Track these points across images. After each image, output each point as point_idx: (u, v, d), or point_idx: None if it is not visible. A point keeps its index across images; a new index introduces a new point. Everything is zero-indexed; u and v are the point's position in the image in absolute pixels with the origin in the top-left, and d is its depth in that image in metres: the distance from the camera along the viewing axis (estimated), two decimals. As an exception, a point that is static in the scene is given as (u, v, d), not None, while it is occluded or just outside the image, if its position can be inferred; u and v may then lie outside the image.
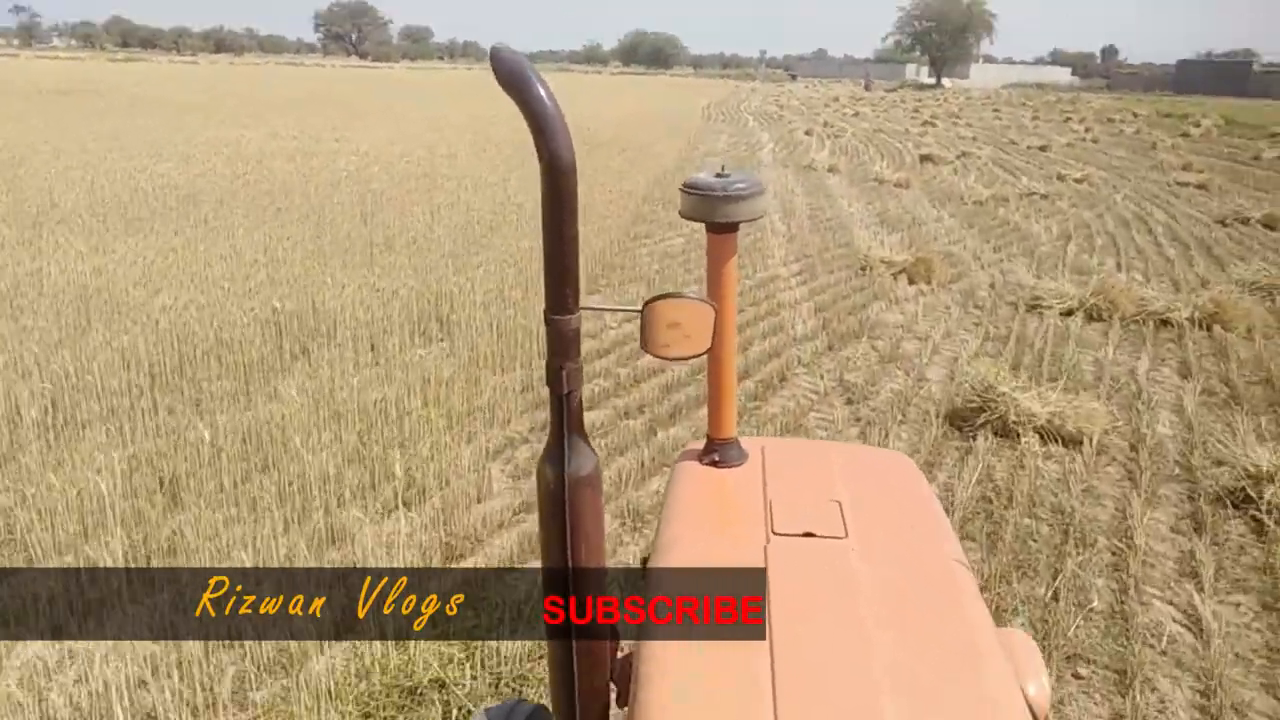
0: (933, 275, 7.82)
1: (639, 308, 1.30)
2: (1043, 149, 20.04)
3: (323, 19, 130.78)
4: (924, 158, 17.20)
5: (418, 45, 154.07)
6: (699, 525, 1.46)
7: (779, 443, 1.81)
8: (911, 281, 7.78)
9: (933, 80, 71.52)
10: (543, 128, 1.09)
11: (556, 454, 1.25)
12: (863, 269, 8.05)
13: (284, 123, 16.85)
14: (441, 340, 5.49)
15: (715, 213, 1.44)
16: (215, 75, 43.74)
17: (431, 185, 9.87)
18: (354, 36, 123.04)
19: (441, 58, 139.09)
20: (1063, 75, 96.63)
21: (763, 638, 1.14)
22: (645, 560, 1.49)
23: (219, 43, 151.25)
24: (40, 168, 10.07)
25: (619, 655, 1.43)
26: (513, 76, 1.08)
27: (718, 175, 1.44)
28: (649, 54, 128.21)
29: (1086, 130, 25.61)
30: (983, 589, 2.58)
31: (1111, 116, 31.73)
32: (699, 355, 1.34)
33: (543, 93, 1.09)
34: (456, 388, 4.69)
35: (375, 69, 72.79)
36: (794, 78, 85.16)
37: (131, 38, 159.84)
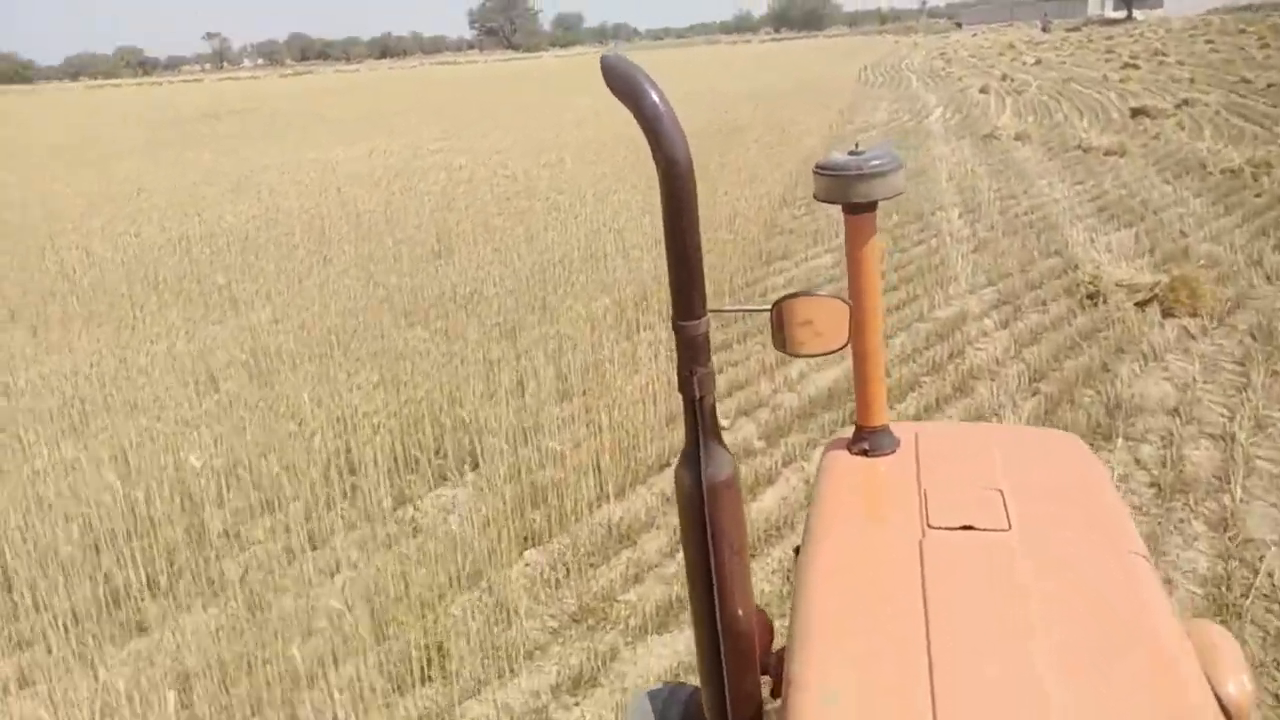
0: (1199, 303, 5.39)
1: (769, 308, 1.32)
2: (1289, 86, 16.21)
3: (476, 16, 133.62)
4: (1136, 111, 14.04)
5: (569, 33, 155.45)
6: (850, 518, 1.41)
7: (934, 427, 1.74)
8: (1168, 314, 5.39)
9: (1121, 13, 63.84)
10: (657, 132, 1.10)
11: (693, 460, 1.25)
12: (1090, 297, 5.71)
13: (399, 134, 15.77)
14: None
15: (851, 192, 1.40)
16: (371, 82, 44.35)
17: (521, 208, 8.20)
18: (507, 29, 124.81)
19: (601, 41, 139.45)
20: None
21: (920, 640, 1.08)
22: (797, 550, 1.46)
23: (384, 49, 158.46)
24: (67, 225, 9.10)
25: (773, 647, 1.47)
26: (623, 84, 1.10)
27: (851, 153, 1.41)
28: (801, 17, 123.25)
29: (1337, 56, 21.04)
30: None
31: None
32: (834, 351, 1.36)
33: (655, 98, 1.10)
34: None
35: (525, 59, 72.90)
36: (959, 26, 78.84)
37: (310, 51, 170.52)
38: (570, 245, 6.69)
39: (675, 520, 1.25)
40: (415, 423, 4.07)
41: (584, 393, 4.53)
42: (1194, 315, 5.35)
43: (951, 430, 2.01)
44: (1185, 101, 14.83)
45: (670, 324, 1.21)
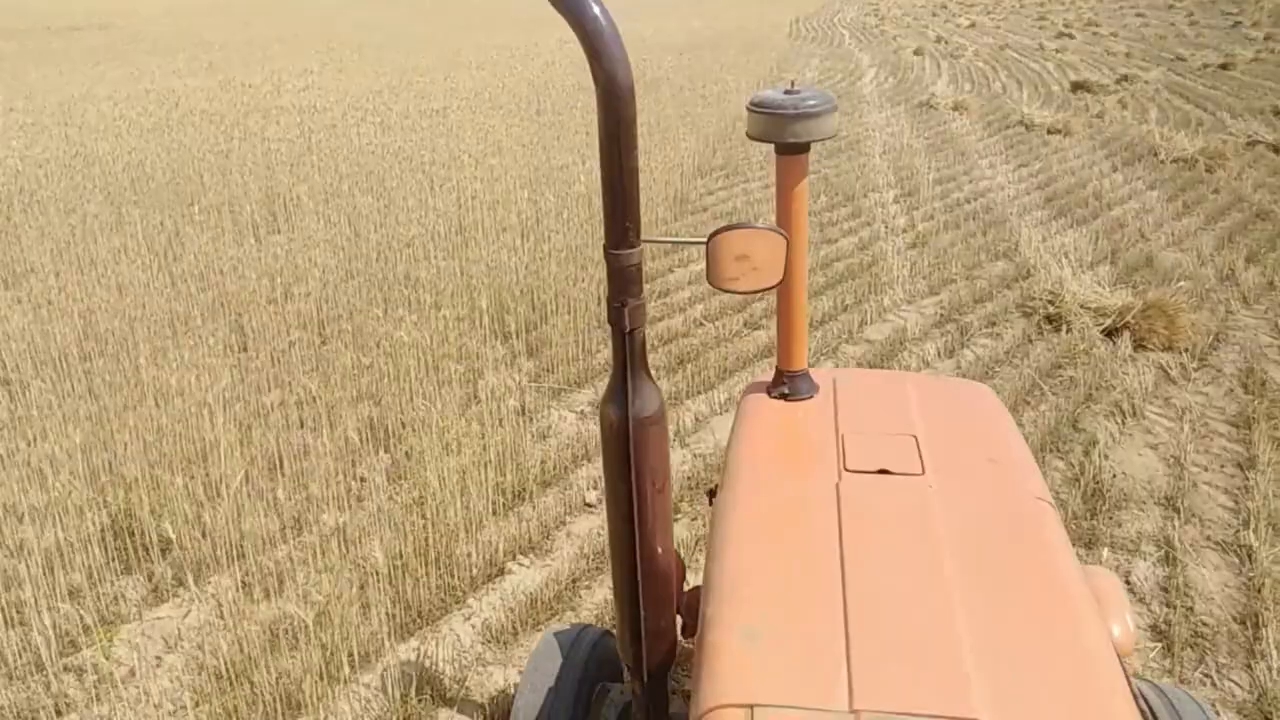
0: (1176, 335, 4.50)
1: (704, 240, 1.24)
2: (1224, 67, 15.68)
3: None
4: (1076, 85, 13.26)
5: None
6: (768, 461, 1.40)
7: (851, 374, 1.71)
8: (1141, 346, 4.48)
9: (1052, -20, 63.87)
10: (597, 49, 1.04)
11: (620, 394, 1.23)
12: (1050, 320, 4.76)
13: (271, 61, 13.96)
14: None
15: (785, 132, 1.36)
16: (261, 1, 41.18)
17: (380, 169, 6.83)
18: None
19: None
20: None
21: (836, 580, 1.10)
22: (712, 493, 1.48)
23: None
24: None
25: (685, 588, 1.47)
26: None
27: (787, 92, 1.37)
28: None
29: (1266, 38, 20.74)
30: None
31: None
32: (770, 288, 1.29)
33: (598, 13, 1.04)
34: None
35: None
36: (893, -17, 77.94)
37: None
38: (430, 222, 5.41)
39: None
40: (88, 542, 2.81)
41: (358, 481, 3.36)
42: (1170, 349, 4.46)
43: (869, 377, 1.99)
44: (1125, 78, 14.13)
45: (603, 251, 1.16)
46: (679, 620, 1.45)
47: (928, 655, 1.00)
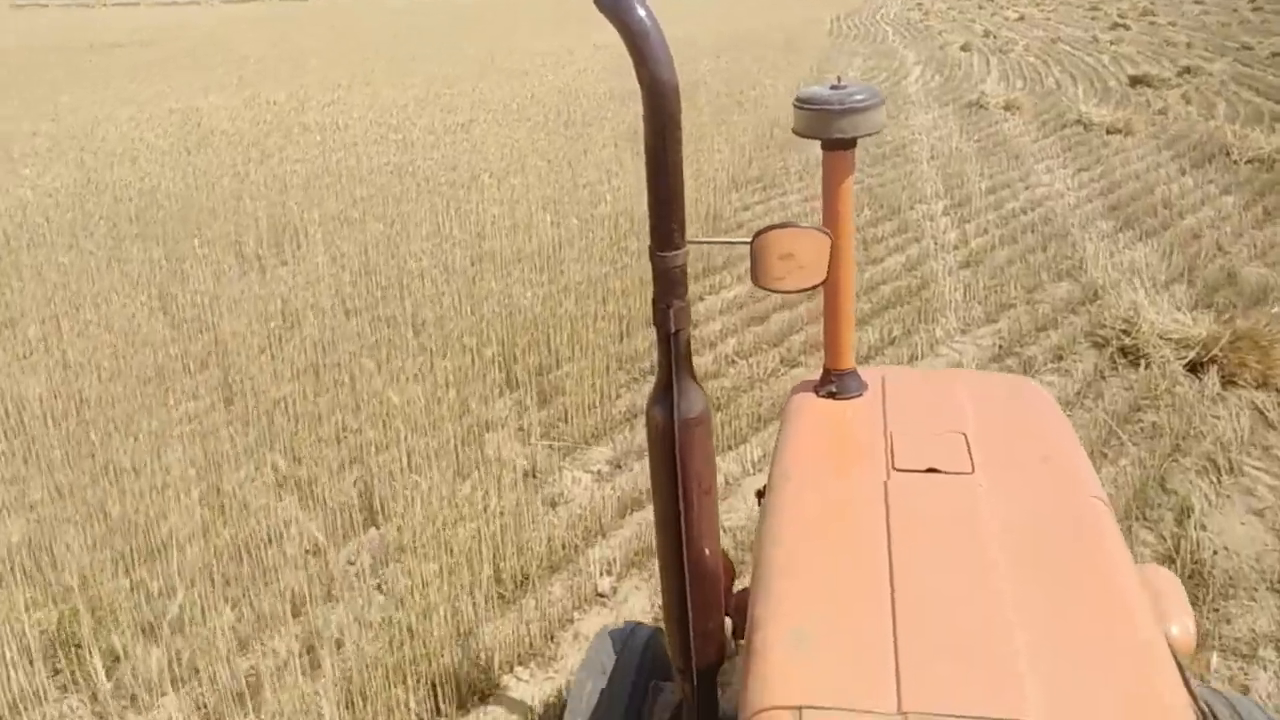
0: (1271, 367, 3.98)
1: (749, 240, 1.25)
2: (1296, 55, 14.80)
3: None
4: (1135, 80, 12.56)
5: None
6: (816, 460, 1.40)
7: (900, 372, 1.69)
8: (1230, 382, 3.97)
9: (1102, -32, 61.99)
10: (644, 52, 1.05)
11: (665, 395, 1.24)
12: (1125, 353, 4.26)
13: (301, 76, 13.81)
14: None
15: (831, 128, 1.35)
16: (313, 13, 41.51)
17: (396, 192, 6.50)
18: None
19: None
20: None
21: (884, 581, 1.08)
22: (760, 494, 1.46)
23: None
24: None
25: (734, 589, 1.46)
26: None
27: (833, 87, 1.35)
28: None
29: (1337, 22, 19.68)
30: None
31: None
32: (815, 287, 1.30)
33: (642, 13, 1.05)
34: None
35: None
36: (936, -25, 76.37)
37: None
38: (443, 252, 5.06)
39: None
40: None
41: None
42: (1265, 386, 3.94)
43: (917, 375, 1.97)
44: (1187, 69, 13.36)
45: (648, 254, 1.18)
46: (728, 622, 1.44)
47: (977, 656, 0.99)
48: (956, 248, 5.98)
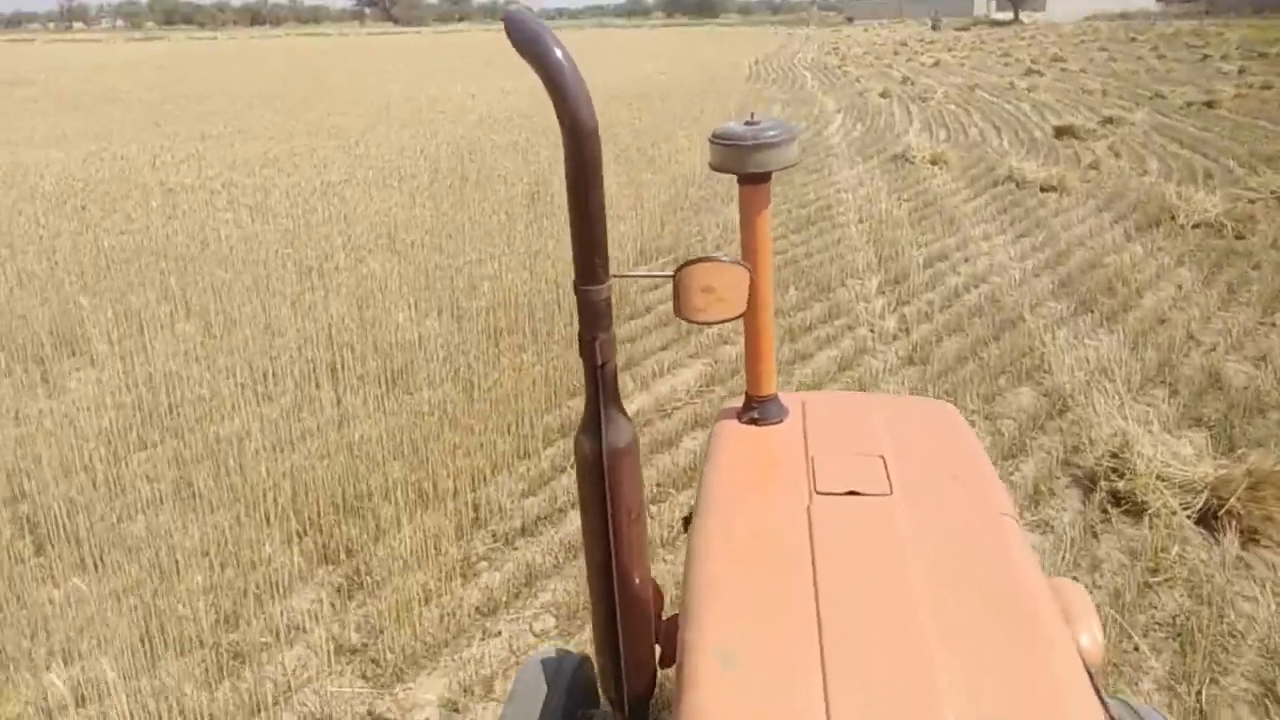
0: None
1: (671, 274, 1.29)
2: (1209, 105, 14.71)
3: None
4: (1061, 130, 12.16)
5: (457, 7, 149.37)
6: (740, 485, 1.43)
7: (819, 396, 1.74)
8: (1252, 539, 3.15)
9: (1008, 15, 64.02)
10: (563, 93, 1.08)
11: (593, 426, 1.26)
12: (1119, 499, 3.41)
13: (167, 123, 12.52)
14: None
15: (747, 162, 1.39)
16: (206, 54, 39.80)
17: (224, 277, 5.39)
18: (387, 1, 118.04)
19: (490, 18, 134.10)
20: (1147, 1, 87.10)
21: (810, 602, 1.12)
22: (687, 520, 1.48)
23: (255, 16, 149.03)
24: None
25: (664, 616, 1.49)
26: (529, 41, 1.08)
27: (747, 123, 1.40)
28: (695, 3, 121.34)
29: (1240, 71, 19.99)
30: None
31: (1262, 50, 25.55)
32: (734, 319, 1.35)
33: (560, 56, 1.08)
34: None
35: (396, 34, 68.44)
36: (850, 20, 78.26)
37: (175, 14, 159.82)
38: (258, 367, 3.98)
39: None
40: None
41: None
42: (1291, 542, 3.11)
43: (837, 399, 2.05)
44: (1109, 119, 13.07)
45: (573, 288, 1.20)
46: (657, 650, 1.46)
47: (901, 674, 1.02)
48: (896, 338, 5.14)
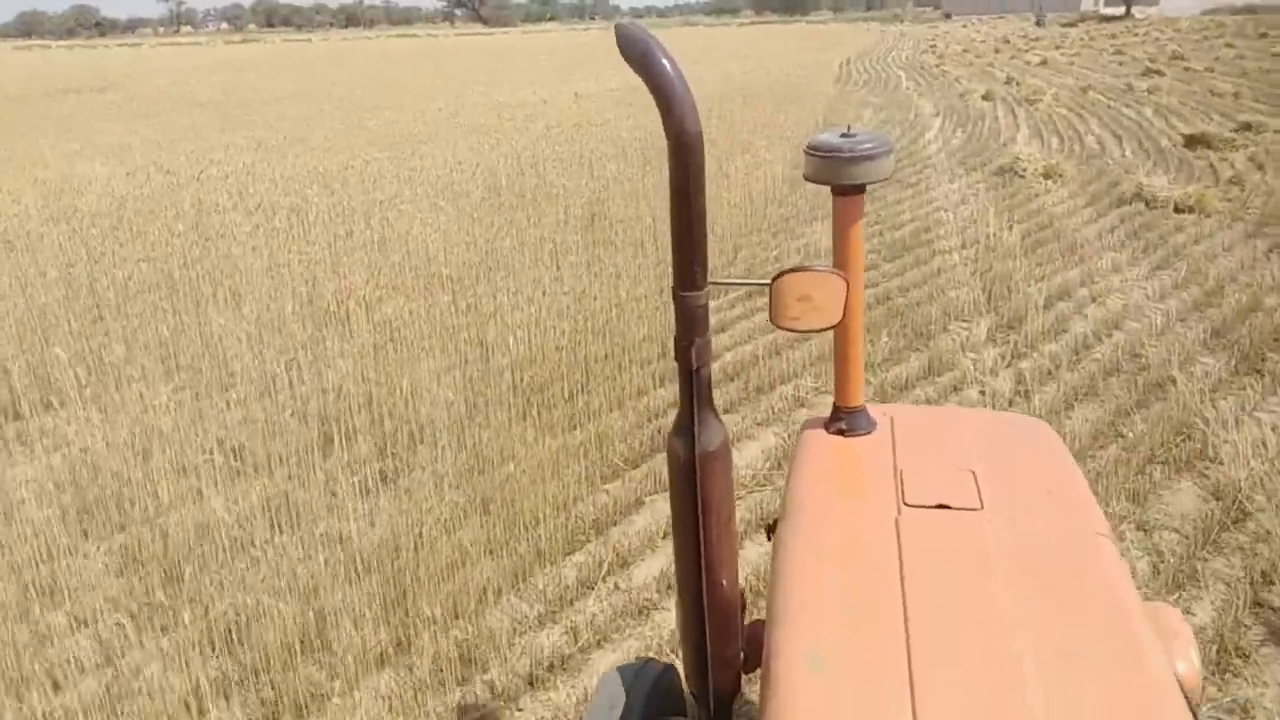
0: None
1: (768, 282, 1.30)
2: (1364, 108, 13.07)
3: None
4: (1192, 140, 10.83)
5: (544, 7, 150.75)
6: (827, 496, 1.43)
7: (909, 410, 1.74)
8: None
9: (1119, 9, 60.56)
10: (669, 101, 1.11)
11: (686, 429, 1.28)
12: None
13: (235, 130, 12.23)
14: None
15: (841, 174, 1.41)
16: (302, 56, 40.51)
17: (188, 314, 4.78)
18: (477, 1, 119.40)
19: (578, 18, 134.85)
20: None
21: (898, 613, 1.11)
22: (771, 527, 1.50)
23: (350, 17, 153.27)
24: None
25: (747, 621, 1.50)
26: (636, 52, 1.11)
27: (843, 135, 1.42)
28: (784, 0, 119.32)
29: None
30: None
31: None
32: (830, 328, 1.35)
33: (666, 65, 1.11)
34: None
35: (483, 35, 68.92)
36: (948, 16, 75.53)
37: (275, 16, 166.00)
38: (230, 440, 3.33)
39: None
40: None
41: None
42: None
43: (926, 413, 2.05)
44: (1248, 126, 11.65)
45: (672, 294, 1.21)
46: (741, 654, 1.46)
47: (989, 687, 1.01)
48: (1013, 402, 4.23)
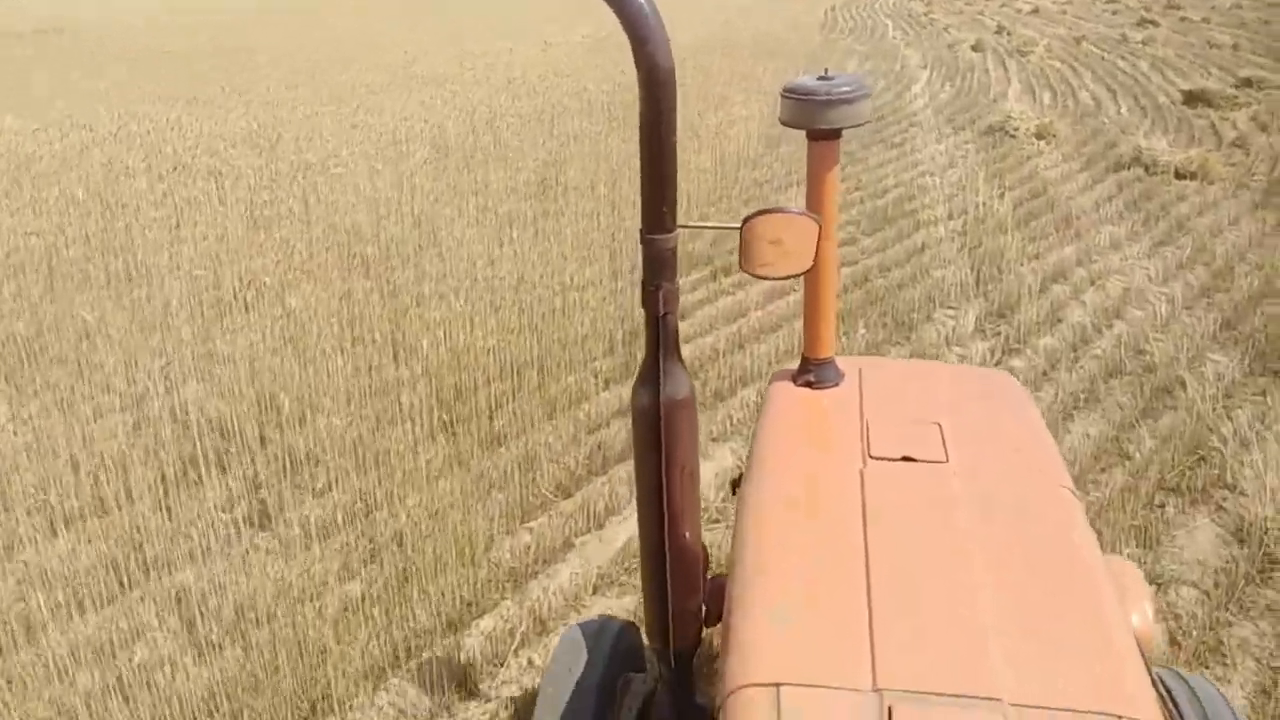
0: None
1: (738, 225, 1.27)
2: (1368, 62, 12.49)
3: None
4: (1191, 97, 10.23)
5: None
6: (793, 448, 1.43)
7: (877, 362, 1.80)
8: None
9: (1109, -45, 59.21)
10: (642, 34, 1.08)
11: (652, 377, 1.26)
12: None
13: (181, 90, 11.42)
14: None
15: (818, 118, 1.38)
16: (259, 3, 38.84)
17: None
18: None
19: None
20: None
21: (860, 565, 1.12)
22: (736, 482, 1.51)
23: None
24: None
25: (709, 576, 1.49)
26: None
27: (820, 78, 1.39)
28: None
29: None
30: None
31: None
32: (802, 273, 1.32)
33: None
34: None
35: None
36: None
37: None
38: (73, 466, 2.79)
39: None
40: None
41: None
42: None
43: (894, 366, 2.04)
44: (1249, 82, 11.04)
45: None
46: (703, 607, 1.46)
47: (951, 637, 1.02)
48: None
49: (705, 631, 1.49)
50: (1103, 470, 3.29)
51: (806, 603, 1.09)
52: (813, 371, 1.55)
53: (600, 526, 3.04)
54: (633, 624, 1.66)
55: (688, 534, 1.33)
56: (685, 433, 1.27)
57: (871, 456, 1.32)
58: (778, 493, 1.30)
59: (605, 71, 10.46)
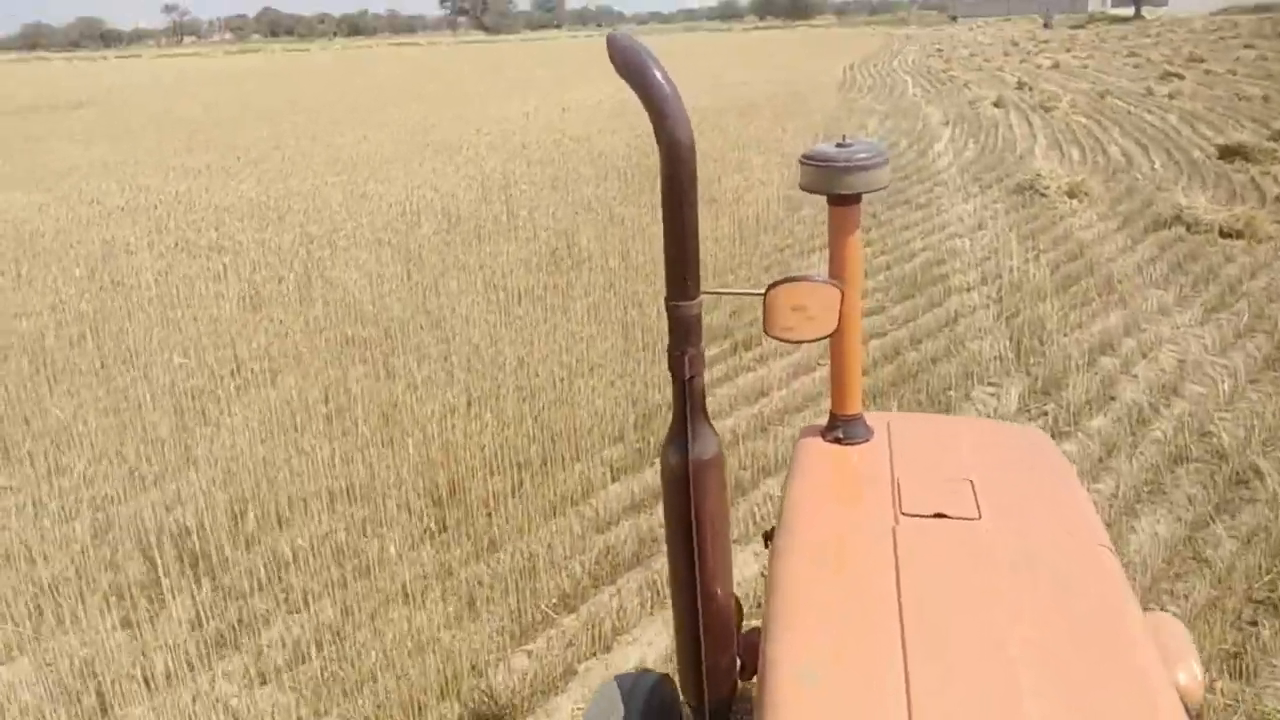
0: None
1: (761, 292, 1.30)
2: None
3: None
4: (1227, 151, 9.91)
5: (547, 15, 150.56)
6: (824, 504, 1.43)
7: (906, 418, 1.73)
8: None
9: (1128, 10, 59.43)
10: (662, 112, 1.12)
11: (680, 439, 1.29)
12: None
13: (194, 153, 11.42)
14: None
15: (837, 184, 1.41)
16: (297, 67, 39.80)
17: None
18: (478, 8, 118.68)
19: (582, 23, 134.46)
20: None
21: (894, 624, 1.10)
22: (768, 536, 1.49)
23: (354, 27, 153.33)
24: None
25: (742, 628, 1.52)
26: (629, 63, 1.12)
27: (839, 145, 1.42)
28: (787, 5, 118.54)
29: None
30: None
31: None
32: (822, 338, 1.34)
33: (659, 77, 1.12)
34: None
35: (482, 43, 68.37)
36: (954, 19, 74.56)
37: (279, 26, 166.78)
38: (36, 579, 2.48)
39: None
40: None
41: None
42: None
43: (924, 421, 2.03)
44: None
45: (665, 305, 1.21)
46: (737, 661, 1.47)
47: (987, 699, 1.00)
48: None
49: (741, 685, 1.51)
50: (1179, 577, 2.89)
51: (841, 661, 1.07)
52: (841, 427, 1.54)
53: (607, 649, 2.69)
54: (669, 677, 1.64)
55: (720, 590, 1.35)
56: (714, 490, 1.30)
57: (903, 513, 1.31)
58: (810, 549, 1.29)
59: (621, 135, 10.33)
